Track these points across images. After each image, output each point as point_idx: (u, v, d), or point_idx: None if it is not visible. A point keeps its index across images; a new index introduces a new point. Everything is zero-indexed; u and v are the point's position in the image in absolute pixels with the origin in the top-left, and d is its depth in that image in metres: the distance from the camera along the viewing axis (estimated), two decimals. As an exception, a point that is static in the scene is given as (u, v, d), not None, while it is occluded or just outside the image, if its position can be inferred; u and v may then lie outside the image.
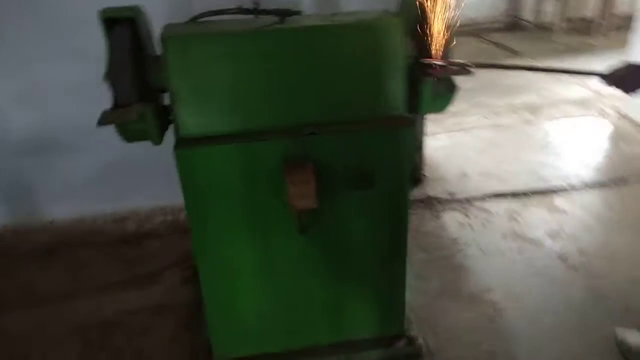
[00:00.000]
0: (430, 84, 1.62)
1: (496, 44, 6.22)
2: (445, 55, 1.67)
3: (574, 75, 1.70)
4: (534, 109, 4.39)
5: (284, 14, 1.66)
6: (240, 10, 1.66)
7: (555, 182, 3.35)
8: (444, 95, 1.69)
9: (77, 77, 2.52)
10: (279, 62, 1.58)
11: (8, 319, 2.40)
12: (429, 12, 1.62)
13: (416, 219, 3.03)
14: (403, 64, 1.64)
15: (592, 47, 5.95)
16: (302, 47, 1.59)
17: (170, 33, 1.56)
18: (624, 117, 4.11)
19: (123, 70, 1.52)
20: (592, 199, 3.22)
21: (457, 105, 1.91)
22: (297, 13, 1.67)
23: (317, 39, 1.60)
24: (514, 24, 6.73)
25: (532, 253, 2.72)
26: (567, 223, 2.96)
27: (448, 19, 1.64)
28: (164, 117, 1.61)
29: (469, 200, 3.21)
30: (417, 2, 1.64)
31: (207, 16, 1.69)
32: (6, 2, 2.46)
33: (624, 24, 6.38)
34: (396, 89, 1.66)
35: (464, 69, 1.61)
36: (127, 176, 2.89)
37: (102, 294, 2.54)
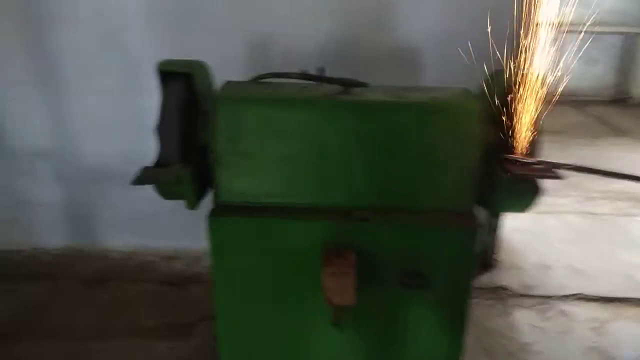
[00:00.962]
0: (508, 182, 1.37)
1: (599, 119, 5.70)
2: (532, 150, 1.42)
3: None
4: (635, 200, 3.88)
5: (349, 84, 1.51)
6: (304, 76, 1.53)
7: (655, 293, 2.86)
8: (523, 196, 1.43)
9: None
10: (335, 137, 1.42)
11: (34, 348, 2.36)
12: (516, 97, 1.39)
13: (482, 312, 2.68)
14: (478, 154, 1.42)
15: None
16: (362, 123, 1.42)
17: (224, 92, 1.46)
18: None
19: (170, 129, 1.43)
20: (701, 320, 2.69)
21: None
22: (363, 85, 1.51)
23: (381, 116, 1.43)
24: (621, 99, 6.16)
25: (617, 379, 2.28)
26: (666, 346, 2.48)
27: (539, 107, 1.40)
28: (204, 181, 1.49)
29: (547, 298, 2.80)
30: (505, 84, 1.42)
31: (269, 77, 1.57)
32: (88, 39, 2.55)
33: None
34: (466, 182, 1.43)
35: (551, 172, 1.35)
36: (184, 214, 2.84)
37: (136, 339, 2.45)
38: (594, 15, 1.61)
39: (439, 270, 1.48)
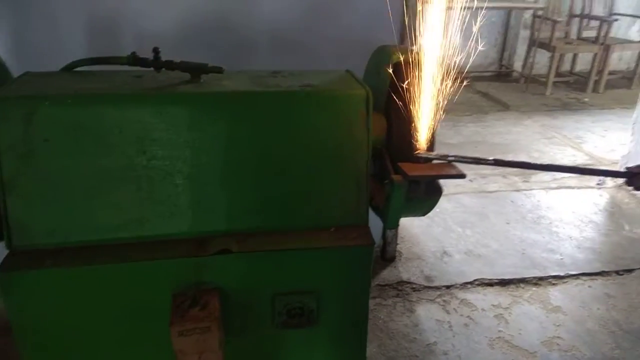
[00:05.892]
0: (403, 188, 1.10)
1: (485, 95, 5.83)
2: (431, 143, 1.16)
3: (593, 175, 1.20)
4: (524, 174, 3.93)
5: (197, 70, 1.13)
6: (133, 60, 1.13)
7: (550, 269, 2.85)
8: (422, 201, 1.17)
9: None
10: (177, 143, 1.05)
11: None
12: (410, 79, 1.11)
13: (385, 312, 2.48)
14: (366, 153, 1.13)
15: (585, 105, 5.60)
16: (215, 122, 1.06)
17: (8, 90, 1.02)
18: (625, 190, 3.67)
19: None
20: (592, 292, 2.72)
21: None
22: (218, 70, 1.14)
23: (239, 111, 1.07)
24: (504, 74, 6.38)
25: (524, 369, 2.19)
26: (565, 326, 2.45)
27: (441, 89, 1.14)
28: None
29: (449, 289, 2.67)
30: (395, 63, 1.14)
31: (86, 65, 1.15)
32: None
33: (620, 82, 6.12)
34: (355, 189, 1.13)
35: (453, 171, 1.09)
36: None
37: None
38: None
39: (330, 300, 1.18)
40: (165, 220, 1.06)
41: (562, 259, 2.95)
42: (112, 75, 1.15)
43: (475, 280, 2.74)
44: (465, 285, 2.70)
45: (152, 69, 1.14)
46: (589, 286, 2.75)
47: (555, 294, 2.67)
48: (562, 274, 2.82)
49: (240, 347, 1.15)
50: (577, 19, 5.80)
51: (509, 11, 6.11)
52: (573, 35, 5.83)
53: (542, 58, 5.96)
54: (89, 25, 1.87)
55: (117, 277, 1.02)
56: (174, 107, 1.03)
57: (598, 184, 3.79)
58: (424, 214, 1.25)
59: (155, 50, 1.12)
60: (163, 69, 1.13)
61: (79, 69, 1.18)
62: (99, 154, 1.01)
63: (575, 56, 6.07)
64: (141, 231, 1.06)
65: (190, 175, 1.06)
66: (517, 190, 3.74)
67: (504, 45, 6.31)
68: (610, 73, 5.84)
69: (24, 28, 1.74)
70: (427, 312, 2.50)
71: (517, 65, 6.27)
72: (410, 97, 1.08)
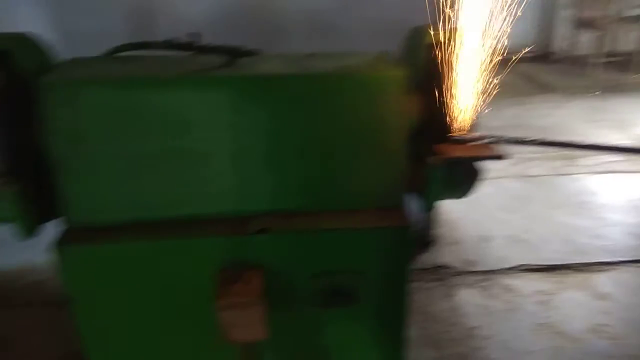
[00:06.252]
0: (442, 170, 1.08)
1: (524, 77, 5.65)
2: (470, 124, 1.13)
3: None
4: (568, 158, 3.80)
5: (233, 53, 1.15)
6: (171, 45, 1.15)
7: (598, 256, 2.75)
8: (461, 183, 1.15)
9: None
10: (217, 125, 1.07)
11: None
12: (449, 59, 1.09)
13: (424, 297, 2.46)
14: (404, 134, 1.11)
15: (632, 86, 5.34)
16: (253, 104, 1.07)
17: (55, 75, 1.06)
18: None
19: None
20: (642, 280, 2.61)
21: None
22: (253, 53, 1.15)
23: (277, 93, 1.08)
24: (545, 55, 6.16)
25: (570, 355, 2.13)
26: (613, 314, 2.36)
27: (482, 70, 1.11)
28: (48, 197, 1.09)
29: (490, 274, 2.62)
30: (432, 43, 1.12)
31: (126, 50, 1.18)
32: None
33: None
34: (392, 171, 1.12)
35: (492, 152, 1.07)
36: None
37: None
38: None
39: (368, 281, 1.18)
40: (209, 200, 1.09)
41: (609, 245, 2.84)
42: (152, 59, 1.19)
43: (518, 265, 2.68)
44: (507, 270, 2.64)
45: (190, 52, 1.16)
46: (638, 273, 2.65)
47: (603, 281, 2.58)
48: (610, 260, 2.72)
49: (283, 322, 1.17)
50: (622, -4, 5.53)
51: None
52: (617, 14, 5.56)
53: (584, 38, 5.71)
54: (129, 12, 1.93)
55: (166, 252, 1.07)
56: (214, 90, 1.05)
57: (648, 167, 3.63)
58: (463, 196, 1.23)
59: (193, 35, 1.14)
60: (201, 52, 1.15)
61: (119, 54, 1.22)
62: (144, 136, 1.05)
63: (619, 36, 5.78)
64: (186, 210, 1.09)
65: (232, 156, 1.09)
66: (562, 175, 3.62)
67: (545, 25, 6.08)
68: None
69: (66, 15, 1.81)
70: (467, 297, 2.46)
71: (559, 45, 6.04)
72: (447, 78, 1.06)
